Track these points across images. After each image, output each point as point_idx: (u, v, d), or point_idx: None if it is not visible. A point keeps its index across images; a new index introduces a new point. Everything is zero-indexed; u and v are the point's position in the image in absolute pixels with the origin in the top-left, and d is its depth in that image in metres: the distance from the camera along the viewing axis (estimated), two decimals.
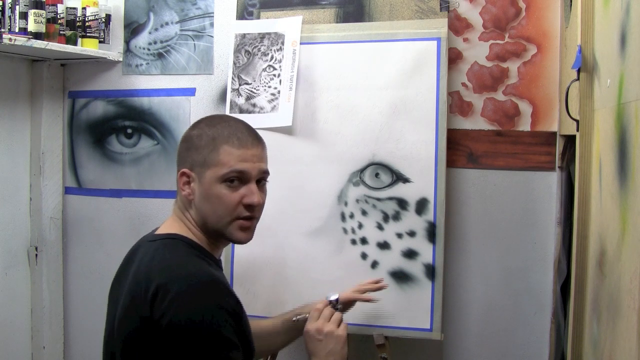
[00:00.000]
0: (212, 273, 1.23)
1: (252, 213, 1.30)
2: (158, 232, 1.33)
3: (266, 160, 1.36)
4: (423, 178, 1.71)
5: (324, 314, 1.39)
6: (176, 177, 1.34)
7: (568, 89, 1.40)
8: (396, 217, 1.73)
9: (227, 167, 1.27)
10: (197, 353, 1.13)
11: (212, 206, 1.27)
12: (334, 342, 1.36)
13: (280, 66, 1.84)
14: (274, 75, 1.85)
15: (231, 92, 1.89)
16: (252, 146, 1.31)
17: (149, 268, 1.22)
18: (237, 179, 1.28)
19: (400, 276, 1.71)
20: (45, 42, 1.85)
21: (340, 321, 1.39)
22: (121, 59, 2.13)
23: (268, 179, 1.36)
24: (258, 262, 1.80)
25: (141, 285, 1.19)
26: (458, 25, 1.81)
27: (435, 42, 1.73)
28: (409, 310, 1.70)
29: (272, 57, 1.85)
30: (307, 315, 1.43)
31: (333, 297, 1.45)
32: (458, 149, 1.83)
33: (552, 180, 1.78)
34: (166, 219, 1.40)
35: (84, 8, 2.04)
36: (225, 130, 1.30)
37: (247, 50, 1.88)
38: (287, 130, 1.82)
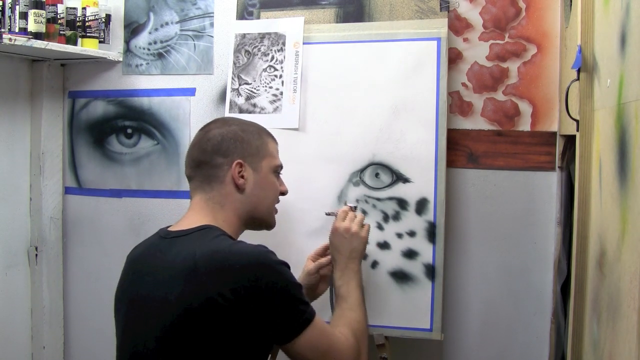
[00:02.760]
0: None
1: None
2: (185, 227, 1.34)
3: None
4: (423, 178, 1.71)
5: (349, 215, 1.55)
6: (220, 169, 1.39)
7: (568, 89, 1.40)
8: (396, 217, 1.73)
9: (277, 160, 1.47)
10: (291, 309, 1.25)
11: (267, 193, 1.43)
12: (358, 241, 1.52)
13: (281, 67, 1.84)
14: (275, 75, 1.84)
15: (231, 92, 1.89)
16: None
17: (202, 253, 1.24)
18: (280, 171, 1.49)
19: (400, 276, 1.71)
20: (45, 42, 1.85)
21: (363, 223, 1.55)
22: (121, 59, 2.13)
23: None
24: None
25: (199, 267, 1.21)
26: (458, 25, 1.81)
27: (435, 42, 1.73)
28: (409, 310, 1.70)
29: (272, 58, 1.85)
30: (337, 211, 1.59)
31: (353, 204, 1.65)
32: (458, 149, 1.83)
33: (552, 180, 1.78)
34: (184, 215, 1.41)
35: (84, 8, 2.04)
36: (259, 127, 1.47)
37: (247, 50, 1.88)
38: (287, 130, 1.82)
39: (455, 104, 1.83)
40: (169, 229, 1.37)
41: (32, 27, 1.84)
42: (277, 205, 1.51)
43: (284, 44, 1.85)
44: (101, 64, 2.15)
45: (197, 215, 1.37)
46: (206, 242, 1.28)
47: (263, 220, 1.46)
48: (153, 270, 1.29)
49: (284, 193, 1.50)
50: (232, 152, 1.39)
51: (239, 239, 1.41)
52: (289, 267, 1.29)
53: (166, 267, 1.26)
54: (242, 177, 1.39)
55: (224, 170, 1.38)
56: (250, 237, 1.56)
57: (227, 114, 1.87)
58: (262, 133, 1.47)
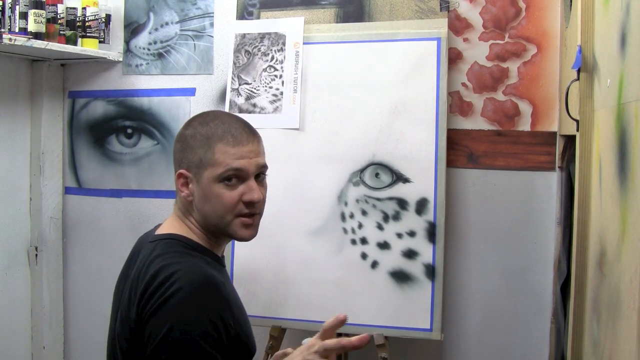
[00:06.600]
0: (206, 274, 1.21)
1: (252, 210, 1.29)
2: (158, 232, 1.33)
3: (263, 154, 1.33)
4: (423, 178, 1.71)
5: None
6: (174, 178, 1.34)
7: (568, 89, 1.40)
8: (396, 217, 1.73)
9: (224, 166, 1.25)
10: None
11: (212, 206, 1.27)
12: None
13: (281, 67, 1.84)
14: (275, 75, 1.85)
15: (231, 91, 1.89)
16: (248, 142, 1.28)
17: (144, 271, 1.21)
18: (235, 177, 1.26)
19: (400, 276, 1.71)
20: (45, 42, 1.85)
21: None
22: (121, 59, 2.13)
23: (267, 173, 1.34)
24: (258, 262, 1.80)
25: (136, 288, 1.20)
26: (458, 25, 1.81)
27: (435, 42, 1.73)
28: (409, 310, 1.70)
29: (272, 58, 1.85)
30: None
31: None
32: (458, 149, 1.83)
33: (552, 180, 1.78)
34: (167, 218, 1.40)
35: (84, 8, 2.04)
36: (219, 128, 1.27)
37: (247, 50, 1.88)
38: (287, 130, 1.82)
39: (455, 104, 1.83)
40: (156, 227, 1.37)
41: (32, 27, 1.84)
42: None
43: (284, 44, 1.85)
44: (101, 64, 2.15)
45: (169, 220, 1.34)
46: (153, 260, 1.23)
47: (223, 232, 1.30)
48: (124, 281, 1.30)
49: (246, 202, 1.27)
50: (179, 161, 1.30)
51: (227, 245, 1.36)
52: (220, 321, 1.17)
53: (127, 282, 1.27)
54: (188, 188, 1.29)
55: (175, 179, 1.32)
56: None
57: None
58: (213, 138, 1.27)
